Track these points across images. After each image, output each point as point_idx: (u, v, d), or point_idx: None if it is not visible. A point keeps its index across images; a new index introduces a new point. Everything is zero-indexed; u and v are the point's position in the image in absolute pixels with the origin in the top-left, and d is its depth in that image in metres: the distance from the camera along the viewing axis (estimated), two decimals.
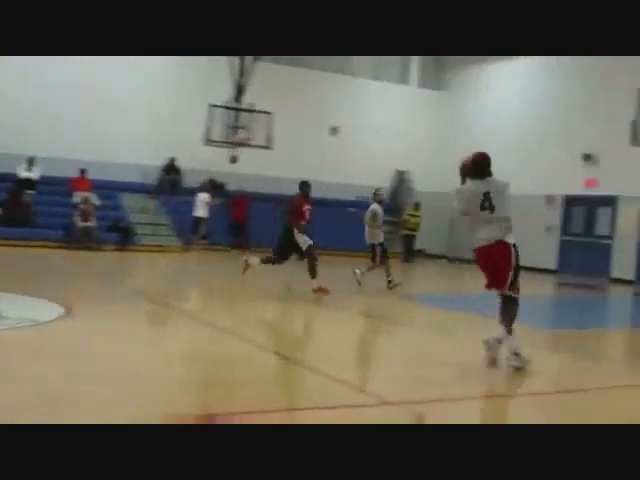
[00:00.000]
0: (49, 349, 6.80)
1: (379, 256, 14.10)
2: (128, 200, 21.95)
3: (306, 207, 12.65)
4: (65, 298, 9.80)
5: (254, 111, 21.73)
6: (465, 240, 25.81)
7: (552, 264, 23.12)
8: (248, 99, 21.89)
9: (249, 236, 22.30)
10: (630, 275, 20.55)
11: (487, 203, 6.86)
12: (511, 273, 6.85)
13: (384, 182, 26.69)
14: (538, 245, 23.44)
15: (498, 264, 6.87)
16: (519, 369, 6.87)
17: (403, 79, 28.22)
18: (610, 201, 21.47)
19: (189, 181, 22.58)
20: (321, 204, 22.65)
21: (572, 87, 22.87)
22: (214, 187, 22.19)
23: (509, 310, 6.98)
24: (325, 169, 25.36)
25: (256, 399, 5.40)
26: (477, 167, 7.14)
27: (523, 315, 12.19)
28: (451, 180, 28.75)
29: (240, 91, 22.08)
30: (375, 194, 15.17)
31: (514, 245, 6.89)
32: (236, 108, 21.83)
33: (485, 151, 7.32)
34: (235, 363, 6.79)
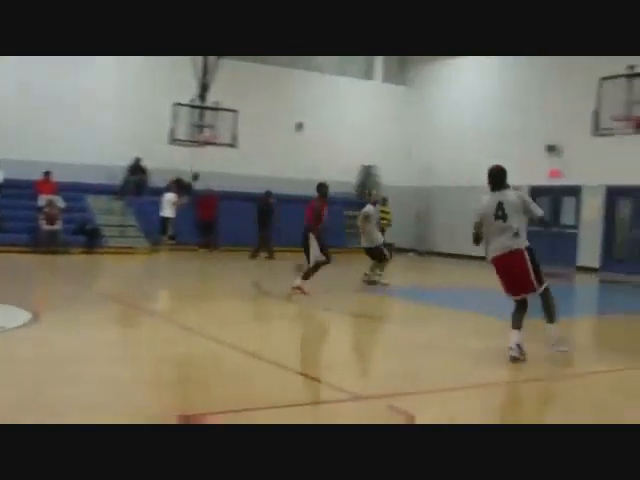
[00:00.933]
0: (18, 355, 6.74)
1: (386, 252, 14.29)
2: (94, 202, 21.75)
3: (325, 209, 12.63)
4: (32, 303, 9.71)
5: (219, 109, 21.62)
6: (432, 233, 25.64)
7: None
8: (213, 97, 21.77)
9: (217, 235, 22.26)
10: (595, 263, 20.84)
11: (500, 212, 7.41)
12: (532, 272, 7.33)
13: (351, 177, 26.82)
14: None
15: (516, 270, 7.38)
16: (517, 359, 7.19)
17: (367, 74, 28.29)
18: (574, 191, 21.73)
19: (156, 181, 22.44)
20: (287, 200, 22.66)
21: (534, 79, 23.06)
22: (181, 187, 22.08)
23: (550, 303, 7.44)
24: (291, 166, 25.37)
25: (231, 398, 5.40)
26: (493, 179, 7.68)
27: (492, 307, 12.32)
28: (417, 174, 28.83)
29: (204, 89, 21.96)
30: (370, 195, 15.21)
31: (527, 247, 7.39)
32: (201, 107, 21.71)
33: (500, 164, 7.82)
34: (207, 363, 6.79)
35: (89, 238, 19.69)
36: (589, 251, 21.11)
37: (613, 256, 20.96)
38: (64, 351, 6.99)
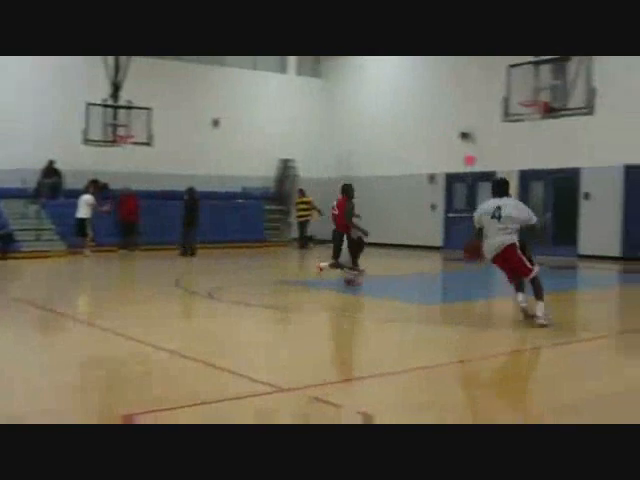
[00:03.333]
0: None
1: (357, 245, 14.51)
2: (7, 206, 21.16)
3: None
4: None
5: (132, 108, 21.35)
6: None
7: (439, 241, 23.77)
8: (126, 96, 21.47)
9: (139, 235, 21.88)
10: None
11: (497, 213, 8.92)
12: (523, 259, 8.94)
13: (270, 172, 26.83)
14: (425, 223, 24.05)
15: (511, 261, 8.96)
16: (546, 325, 8.62)
17: (282, 68, 28.31)
18: (488, 177, 22.15)
19: (72, 183, 21.96)
20: (208, 197, 22.54)
21: (446, 68, 23.45)
22: (97, 188, 21.66)
23: (539, 286, 8.90)
24: (210, 162, 25.23)
25: (156, 398, 5.38)
26: (497, 187, 9.35)
27: (414, 293, 12.54)
28: (335, 165, 28.91)
29: (117, 88, 21.63)
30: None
31: (517, 241, 8.96)
32: (114, 106, 21.39)
33: (506, 178, 9.93)
34: (130, 364, 6.72)
35: (3, 243, 19.17)
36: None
37: (527, 239, 21.51)
38: None
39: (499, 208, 8.93)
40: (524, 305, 9.13)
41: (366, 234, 13.28)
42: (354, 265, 13.38)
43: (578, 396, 5.66)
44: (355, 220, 13.40)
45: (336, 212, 13.33)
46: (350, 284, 12.85)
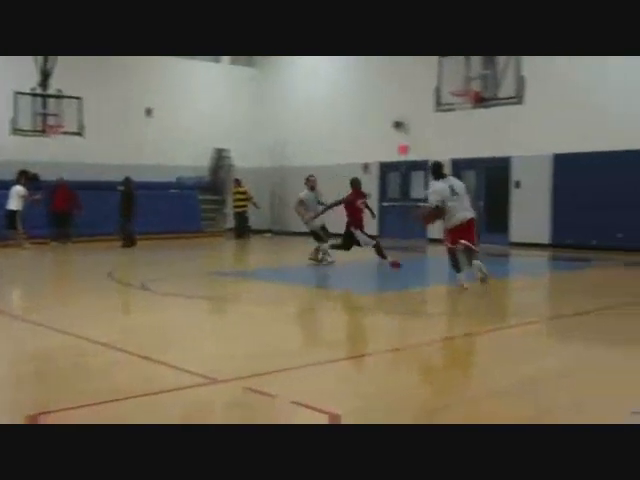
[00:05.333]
0: None
1: (323, 235, 14.84)
2: None
3: (360, 201, 14.27)
4: None
5: (62, 97, 20.98)
6: (288, 213, 25.75)
7: (374, 230, 23.96)
8: (57, 84, 21.06)
9: (73, 227, 21.47)
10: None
11: (453, 192, 10.55)
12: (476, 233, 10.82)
13: (204, 161, 26.65)
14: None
15: (470, 231, 10.63)
16: (485, 280, 10.61)
17: (215, 57, 28.07)
18: (421, 166, 22.46)
19: (0, 173, 21.43)
20: (142, 187, 22.29)
21: (379, 60, 23.48)
22: (28, 179, 21.18)
23: (474, 252, 10.76)
24: (143, 152, 24.91)
25: (92, 392, 5.34)
26: (438, 170, 11.05)
27: (350, 282, 12.65)
28: (270, 155, 28.77)
29: (46, 77, 21.19)
30: (307, 180, 15.43)
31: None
32: (43, 95, 20.97)
33: (439, 160, 11.69)
34: (64, 358, 6.63)
35: None
36: (438, 223, 21.91)
37: None
38: None
39: (452, 187, 10.58)
40: (481, 270, 10.56)
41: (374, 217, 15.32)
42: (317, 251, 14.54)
43: (510, 381, 5.82)
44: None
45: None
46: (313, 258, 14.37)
